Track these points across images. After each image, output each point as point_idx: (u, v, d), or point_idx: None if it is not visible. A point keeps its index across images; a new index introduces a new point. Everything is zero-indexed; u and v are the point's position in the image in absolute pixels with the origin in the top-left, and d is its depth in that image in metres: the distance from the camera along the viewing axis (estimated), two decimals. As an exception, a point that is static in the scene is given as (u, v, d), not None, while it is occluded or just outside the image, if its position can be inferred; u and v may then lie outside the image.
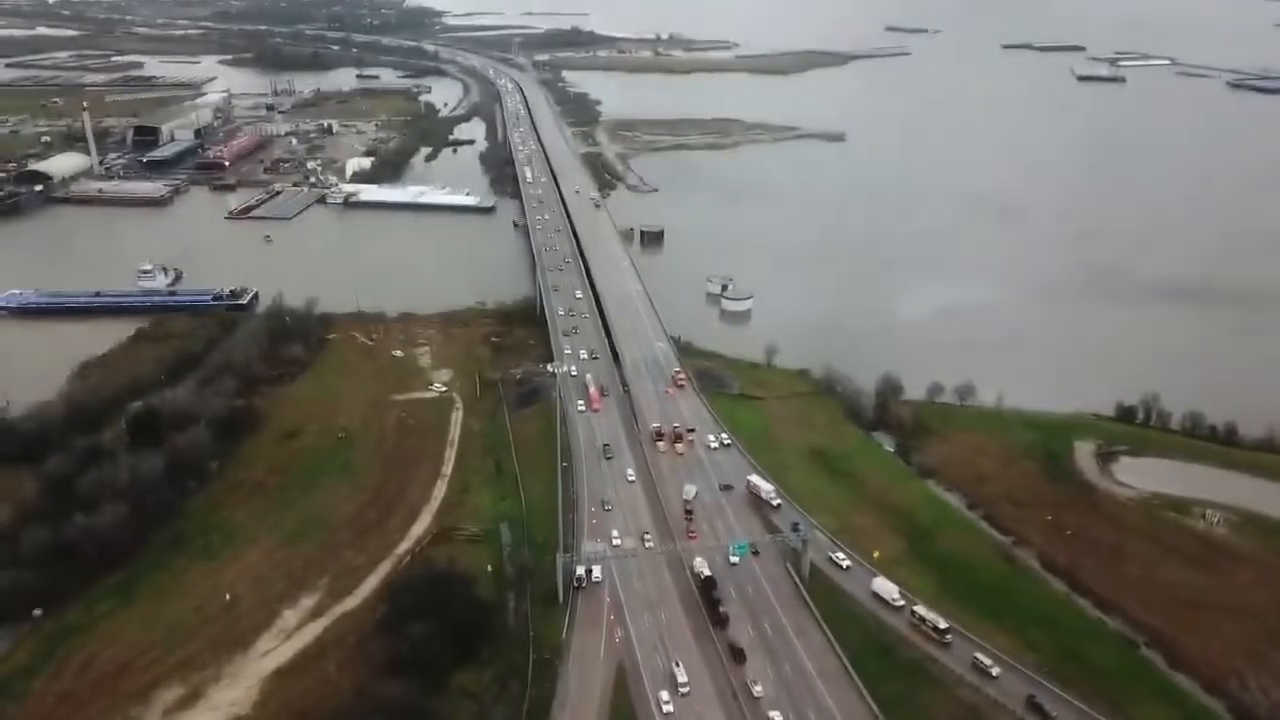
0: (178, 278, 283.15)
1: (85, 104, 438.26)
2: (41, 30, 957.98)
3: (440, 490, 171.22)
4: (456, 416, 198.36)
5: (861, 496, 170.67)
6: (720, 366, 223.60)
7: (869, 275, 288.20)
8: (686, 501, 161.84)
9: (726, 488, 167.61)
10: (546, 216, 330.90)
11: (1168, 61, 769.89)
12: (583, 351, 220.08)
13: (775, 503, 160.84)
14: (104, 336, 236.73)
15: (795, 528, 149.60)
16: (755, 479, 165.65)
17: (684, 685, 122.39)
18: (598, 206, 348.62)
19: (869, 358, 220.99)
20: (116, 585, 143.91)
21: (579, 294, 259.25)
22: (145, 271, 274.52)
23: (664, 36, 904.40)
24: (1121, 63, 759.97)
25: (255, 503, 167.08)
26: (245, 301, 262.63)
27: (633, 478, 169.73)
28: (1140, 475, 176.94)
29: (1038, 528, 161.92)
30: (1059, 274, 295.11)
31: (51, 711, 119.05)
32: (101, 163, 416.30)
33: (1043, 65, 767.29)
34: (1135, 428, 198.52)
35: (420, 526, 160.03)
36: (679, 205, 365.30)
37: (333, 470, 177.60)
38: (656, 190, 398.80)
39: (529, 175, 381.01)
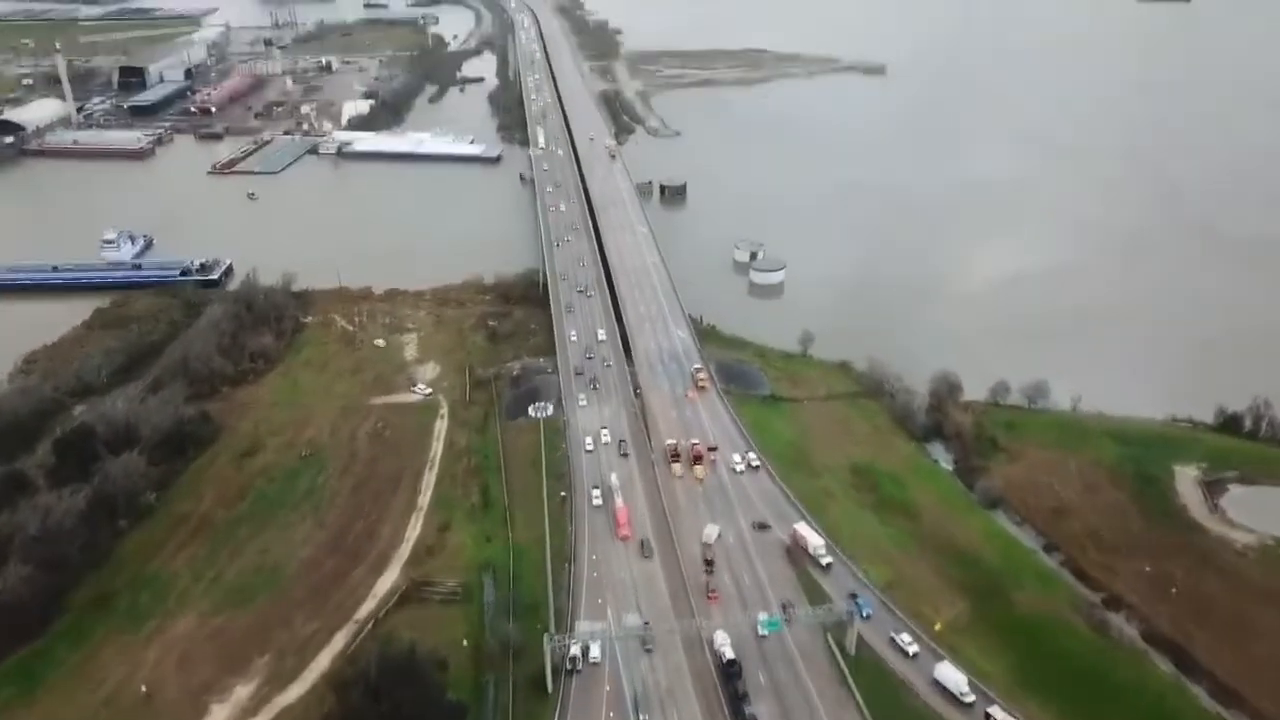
0: (146, 246, 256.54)
1: (58, 45, 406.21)
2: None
3: (415, 528, 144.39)
4: (441, 426, 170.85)
5: (915, 537, 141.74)
6: (748, 358, 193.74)
7: (917, 236, 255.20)
8: (707, 547, 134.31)
9: (762, 527, 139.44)
10: (557, 184, 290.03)
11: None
12: (592, 405, 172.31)
13: (825, 561, 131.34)
14: (59, 319, 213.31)
15: (853, 598, 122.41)
16: (802, 529, 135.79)
17: None
18: (613, 157, 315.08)
19: (920, 343, 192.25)
20: (18, 666, 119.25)
21: (587, 265, 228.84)
22: (109, 241, 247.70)
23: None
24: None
25: (197, 546, 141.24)
26: (216, 276, 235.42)
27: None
28: (1258, 512, 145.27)
29: (1134, 582, 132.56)
30: (1136, 229, 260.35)
31: None
32: (81, 109, 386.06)
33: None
34: (1242, 441, 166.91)
35: (388, 580, 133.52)
36: (704, 152, 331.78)
37: (293, 500, 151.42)
38: (679, 134, 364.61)
39: (541, 140, 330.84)
